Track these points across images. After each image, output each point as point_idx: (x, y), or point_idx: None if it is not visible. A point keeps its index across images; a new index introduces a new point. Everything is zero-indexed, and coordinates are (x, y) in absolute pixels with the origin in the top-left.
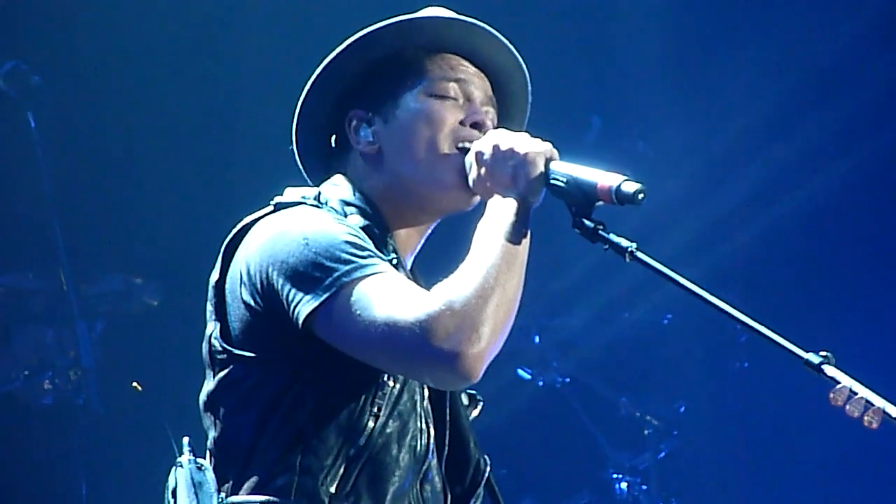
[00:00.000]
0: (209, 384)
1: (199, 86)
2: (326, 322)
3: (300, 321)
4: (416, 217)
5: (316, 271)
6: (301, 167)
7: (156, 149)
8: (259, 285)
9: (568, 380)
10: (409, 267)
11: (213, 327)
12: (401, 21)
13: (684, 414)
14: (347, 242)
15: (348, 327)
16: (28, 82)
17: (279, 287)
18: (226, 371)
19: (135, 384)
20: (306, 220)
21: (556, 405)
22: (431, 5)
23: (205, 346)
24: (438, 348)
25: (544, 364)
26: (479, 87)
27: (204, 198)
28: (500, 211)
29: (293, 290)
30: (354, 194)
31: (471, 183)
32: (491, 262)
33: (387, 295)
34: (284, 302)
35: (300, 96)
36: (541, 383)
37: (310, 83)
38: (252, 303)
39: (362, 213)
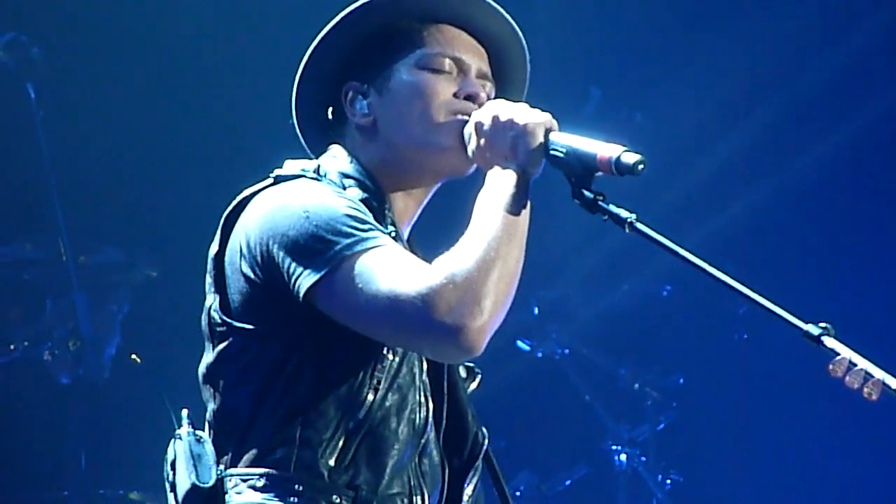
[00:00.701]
0: (208, 356)
1: (198, 56)
2: (328, 295)
3: (301, 294)
4: (413, 184)
5: (317, 244)
6: (301, 139)
7: (155, 120)
8: (259, 258)
9: (567, 351)
10: (406, 237)
11: (212, 299)
12: None
13: (683, 385)
14: (348, 216)
15: (350, 300)
16: (27, 53)
17: (280, 260)
18: (225, 343)
19: (133, 356)
20: (306, 193)
21: (555, 377)
22: None
23: (204, 318)
24: (441, 321)
25: (543, 335)
26: (475, 59)
27: (203, 169)
28: (500, 182)
29: (294, 264)
30: (352, 165)
31: (469, 153)
32: (492, 234)
33: (389, 268)
34: (285, 275)
35: (298, 69)
36: (539, 355)
37: (307, 56)
38: (251, 275)
39: (360, 184)
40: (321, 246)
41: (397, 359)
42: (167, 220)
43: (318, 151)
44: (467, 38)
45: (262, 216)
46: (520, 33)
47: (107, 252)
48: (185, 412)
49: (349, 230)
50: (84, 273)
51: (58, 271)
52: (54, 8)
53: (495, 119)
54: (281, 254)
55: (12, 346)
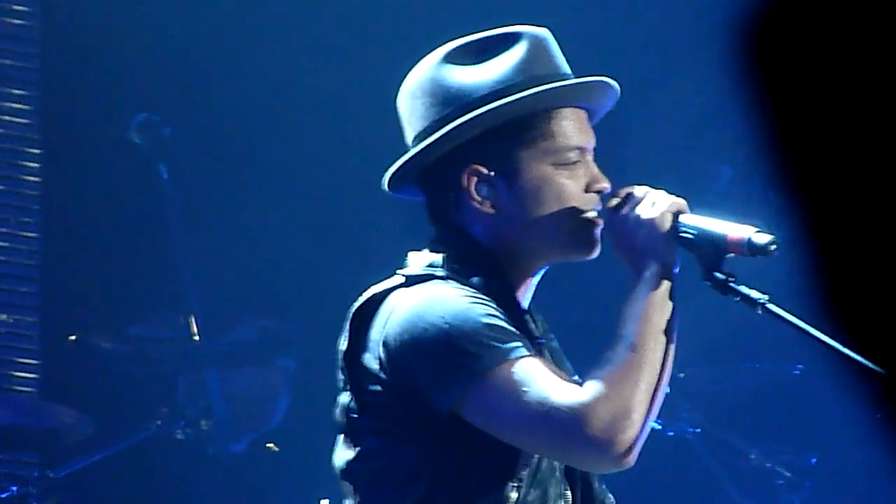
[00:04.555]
0: (347, 452)
1: (330, 138)
2: (473, 409)
3: (447, 409)
4: (536, 268)
5: (460, 358)
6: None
7: (287, 198)
8: (398, 369)
9: (698, 430)
10: (526, 307)
11: (347, 398)
12: (561, 87)
13: (816, 465)
14: (488, 325)
15: (497, 414)
16: (160, 134)
17: (421, 373)
18: (363, 442)
19: (270, 445)
20: (443, 300)
21: (686, 456)
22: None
23: (339, 413)
24: (592, 436)
25: (674, 414)
26: (591, 138)
27: (336, 247)
28: (642, 283)
29: (436, 378)
30: (476, 252)
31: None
32: (638, 341)
33: (535, 381)
34: (427, 387)
35: (421, 138)
36: (671, 434)
37: (436, 135)
38: (390, 383)
39: (485, 273)
40: (464, 360)
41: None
42: (299, 298)
43: (400, 188)
44: (582, 117)
45: (400, 326)
46: (618, 90)
47: (239, 331)
48: (324, 503)
49: (491, 342)
50: (216, 351)
51: (189, 350)
52: (186, 88)
53: (624, 218)
54: (422, 368)
55: (146, 425)
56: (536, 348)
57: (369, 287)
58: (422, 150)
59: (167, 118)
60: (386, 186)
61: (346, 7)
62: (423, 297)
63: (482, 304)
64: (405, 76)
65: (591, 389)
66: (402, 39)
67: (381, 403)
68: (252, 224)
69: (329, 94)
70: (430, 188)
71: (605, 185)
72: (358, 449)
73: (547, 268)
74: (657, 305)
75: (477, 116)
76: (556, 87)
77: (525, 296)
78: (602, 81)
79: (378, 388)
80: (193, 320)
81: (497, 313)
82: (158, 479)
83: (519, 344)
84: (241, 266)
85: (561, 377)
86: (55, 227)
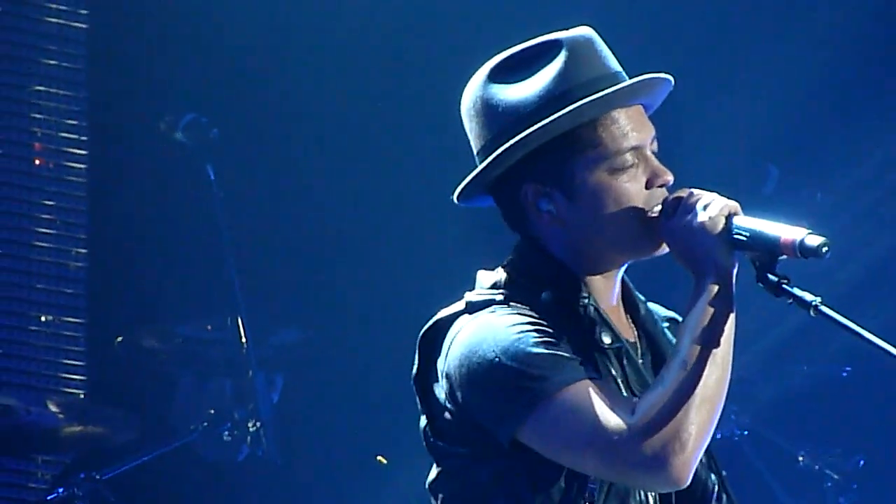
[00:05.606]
0: (431, 472)
1: (374, 140)
2: (531, 439)
3: (507, 441)
4: (610, 269)
5: (512, 391)
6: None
7: (333, 200)
8: (459, 401)
9: (746, 432)
10: (614, 302)
11: (424, 421)
12: (600, 98)
13: (864, 467)
14: (537, 355)
15: (553, 443)
16: (207, 134)
17: (479, 408)
18: (442, 463)
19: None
20: (494, 333)
21: (735, 458)
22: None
23: (421, 434)
24: (644, 458)
25: (723, 417)
26: (647, 133)
27: (380, 250)
28: (697, 295)
29: (492, 412)
30: (545, 262)
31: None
32: (691, 358)
33: (585, 409)
34: (486, 421)
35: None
36: (719, 436)
37: (490, 159)
38: (456, 411)
39: (554, 283)
40: (515, 394)
41: None
42: (346, 301)
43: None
44: (635, 114)
45: (458, 359)
46: (671, 80)
47: (286, 333)
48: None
49: (541, 372)
50: (263, 353)
51: (237, 351)
52: (233, 88)
53: (676, 227)
54: (479, 403)
55: (192, 427)
56: (606, 358)
57: (437, 311)
58: (477, 175)
59: (214, 119)
60: (456, 201)
61: (397, 10)
62: (476, 329)
63: (533, 331)
64: (453, 81)
65: (640, 413)
66: (453, 44)
67: (453, 429)
68: (299, 225)
69: (379, 94)
70: (499, 202)
71: (668, 177)
72: (439, 469)
73: (625, 266)
74: (712, 316)
75: (519, 141)
76: (594, 100)
77: (606, 297)
78: (644, 81)
79: (448, 416)
80: (241, 321)
81: (548, 339)
82: (204, 480)
83: (569, 370)
84: (287, 268)
85: (613, 399)
86: (102, 228)
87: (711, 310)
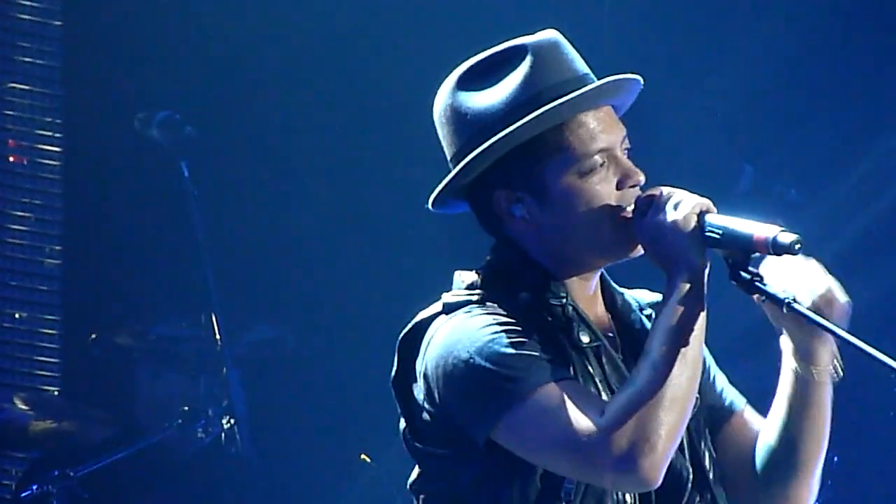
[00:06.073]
0: (413, 473)
1: (352, 134)
2: (506, 440)
3: (483, 441)
4: (588, 272)
5: (486, 392)
6: (431, 206)
7: (308, 198)
8: (437, 402)
9: None
10: (591, 291)
11: (403, 423)
12: (566, 102)
13: (838, 464)
14: (511, 356)
15: (526, 444)
16: (181, 132)
17: (455, 409)
18: (423, 464)
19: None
20: (468, 335)
21: None
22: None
23: (401, 437)
24: (612, 463)
25: None
26: (616, 133)
27: (355, 246)
28: (668, 295)
29: (468, 414)
30: (522, 265)
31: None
32: (660, 358)
33: (556, 410)
34: (462, 423)
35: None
36: None
37: (452, 173)
38: (435, 413)
39: (533, 284)
40: (489, 394)
41: None
42: (321, 299)
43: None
44: (604, 116)
45: (434, 361)
46: (640, 80)
47: (260, 329)
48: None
49: (515, 373)
50: (237, 351)
51: (212, 349)
52: (207, 86)
53: (648, 225)
54: (455, 404)
55: (166, 424)
56: (584, 357)
57: (415, 310)
58: (447, 183)
59: (188, 116)
60: (431, 209)
61: (373, 8)
62: (452, 330)
63: (507, 332)
64: (430, 81)
65: (609, 414)
66: (430, 42)
67: (432, 430)
68: (273, 222)
69: (352, 94)
70: (474, 208)
71: (640, 177)
72: (419, 471)
73: (602, 269)
74: (682, 315)
75: (486, 149)
76: (559, 104)
77: (584, 295)
78: (610, 83)
79: (426, 417)
80: (215, 319)
81: (522, 339)
82: (179, 478)
83: (541, 372)
84: (262, 265)
85: (585, 400)
86: (77, 225)
87: (681, 309)
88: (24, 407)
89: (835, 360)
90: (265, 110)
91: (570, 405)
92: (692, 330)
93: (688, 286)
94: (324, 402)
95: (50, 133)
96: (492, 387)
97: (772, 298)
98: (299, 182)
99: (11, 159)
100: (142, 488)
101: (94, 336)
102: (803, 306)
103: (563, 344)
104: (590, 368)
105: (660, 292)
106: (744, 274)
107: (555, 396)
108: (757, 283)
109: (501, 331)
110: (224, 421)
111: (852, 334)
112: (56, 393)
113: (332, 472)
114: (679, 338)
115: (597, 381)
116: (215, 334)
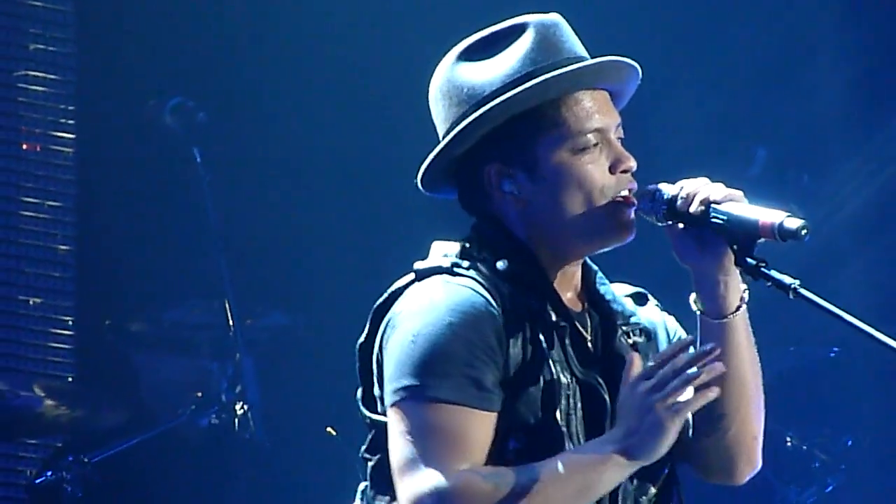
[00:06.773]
0: (364, 443)
1: (365, 124)
2: (388, 420)
3: (382, 412)
4: (574, 258)
5: (406, 373)
6: (420, 184)
7: (321, 185)
8: (381, 364)
9: None
10: (569, 273)
11: (359, 391)
12: (564, 73)
13: (852, 447)
14: (441, 354)
15: (392, 438)
16: (193, 118)
17: (384, 373)
18: (371, 431)
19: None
20: (424, 313)
21: None
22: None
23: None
24: None
25: None
26: (611, 117)
27: (368, 235)
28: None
29: (386, 381)
30: (507, 242)
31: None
32: (545, 478)
33: (430, 438)
34: (381, 387)
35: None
36: None
37: (449, 138)
38: (380, 376)
39: (516, 264)
40: (406, 378)
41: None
42: (333, 284)
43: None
44: (600, 98)
45: (391, 328)
46: (638, 68)
47: (274, 316)
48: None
49: (429, 375)
50: (251, 337)
51: (225, 335)
52: (219, 72)
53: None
54: (385, 368)
55: (180, 410)
56: (549, 334)
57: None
58: (439, 153)
59: (201, 102)
60: (422, 188)
61: None
62: (417, 299)
63: (459, 327)
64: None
65: (460, 485)
66: (437, 32)
67: (377, 395)
68: (286, 208)
69: (368, 79)
70: (460, 185)
71: (631, 163)
72: (369, 438)
73: (586, 257)
74: (595, 467)
75: (481, 115)
76: (557, 75)
77: (566, 286)
78: (609, 62)
79: (373, 380)
80: (228, 305)
81: (467, 342)
82: (192, 463)
83: (452, 388)
84: (274, 252)
85: (463, 449)
86: (90, 211)
87: (603, 464)
88: (38, 393)
89: (742, 298)
90: (278, 96)
91: (441, 441)
92: (598, 484)
93: (622, 460)
94: (336, 388)
95: (63, 120)
96: (407, 373)
97: (777, 284)
98: (313, 168)
99: (24, 146)
100: (155, 474)
101: (107, 322)
102: (809, 292)
103: (532, 319)
104: (553, 347)
105: (664, 303)
106: (749, 259)
107: (441, 422)
108: (762, 269)
109: (456, 324)
110: (237, 407)
111: (862, 321)
112: (70, 379)
113: (345, 457)
114: (580, 479)
115: (555, 362)
116: (228, 321)
